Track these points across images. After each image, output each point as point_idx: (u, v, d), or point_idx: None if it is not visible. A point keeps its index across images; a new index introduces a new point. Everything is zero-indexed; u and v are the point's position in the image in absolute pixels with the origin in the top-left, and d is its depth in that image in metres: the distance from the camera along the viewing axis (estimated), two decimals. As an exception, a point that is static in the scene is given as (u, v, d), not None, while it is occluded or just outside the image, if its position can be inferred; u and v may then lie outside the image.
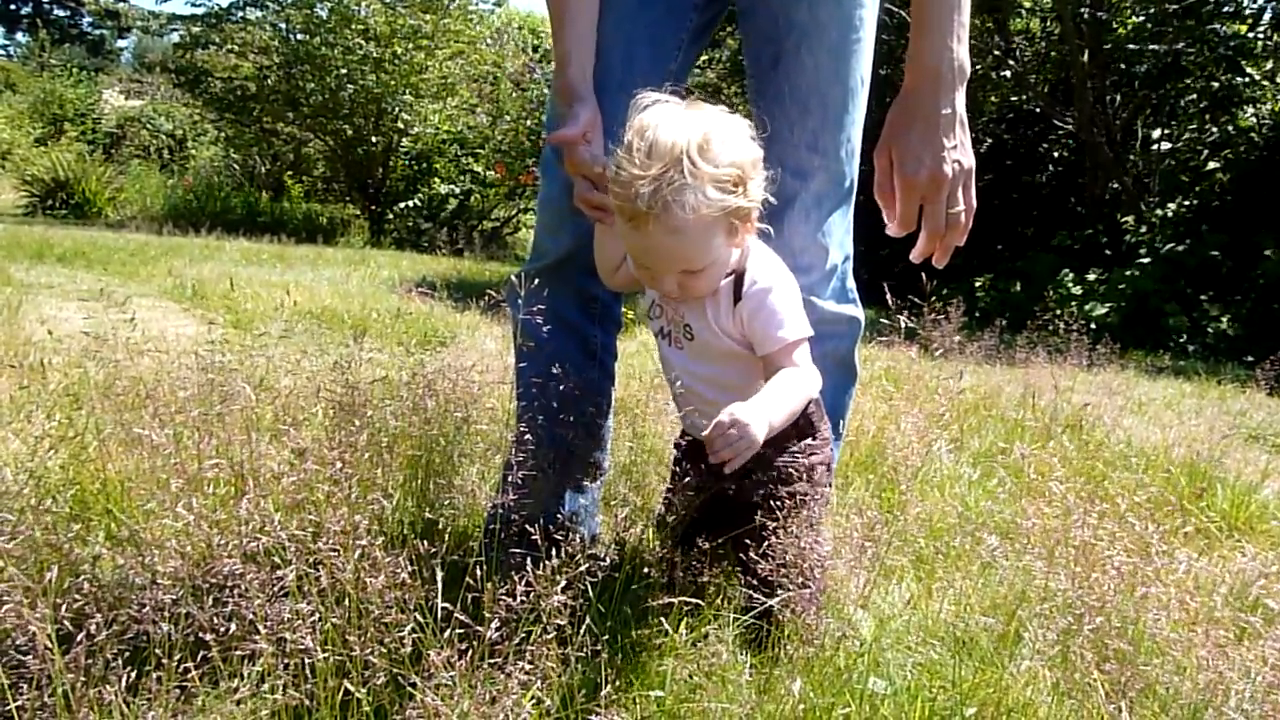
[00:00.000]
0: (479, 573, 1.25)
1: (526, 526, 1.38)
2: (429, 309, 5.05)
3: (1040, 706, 1.32)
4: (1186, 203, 8.79)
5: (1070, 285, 8.08)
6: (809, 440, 1.48)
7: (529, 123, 11.02)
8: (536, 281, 1.59)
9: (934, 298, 2.97)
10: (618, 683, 1.24)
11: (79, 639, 1.09)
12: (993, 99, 10.86)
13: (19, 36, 31.28)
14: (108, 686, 1.09)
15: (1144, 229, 8.47)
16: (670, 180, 1.27)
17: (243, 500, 1.34)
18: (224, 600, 1.20)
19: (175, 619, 1.18)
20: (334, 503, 1.31)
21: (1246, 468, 2.86)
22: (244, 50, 11.55)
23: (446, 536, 1.43)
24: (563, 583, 1.19)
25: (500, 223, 12.33)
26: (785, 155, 1.51)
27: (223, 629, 1.17)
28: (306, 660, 1.15)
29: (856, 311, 1.67)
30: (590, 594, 1.32)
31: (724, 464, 1.24)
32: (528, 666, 1.14)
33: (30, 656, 1.08)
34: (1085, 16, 9.14)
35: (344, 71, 10.81)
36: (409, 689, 1.15)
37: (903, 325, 2.30)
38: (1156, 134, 9.91)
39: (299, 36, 11.30)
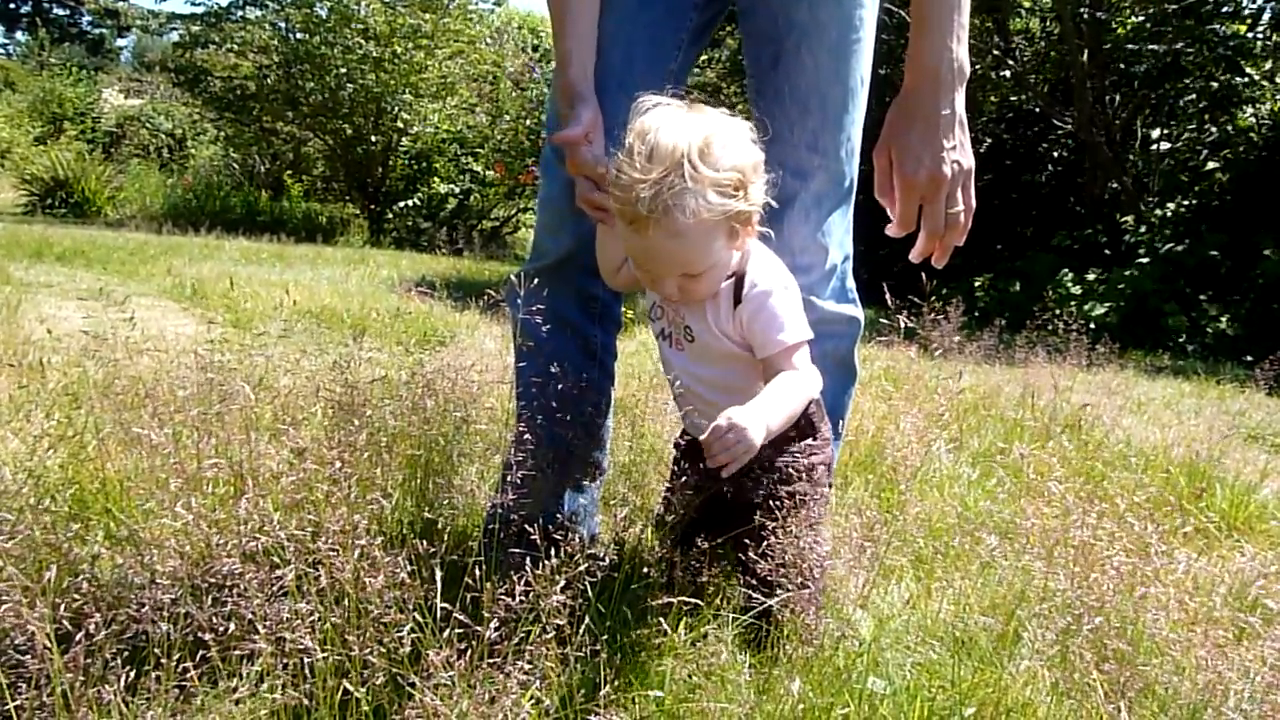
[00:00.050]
0: (478, 572, 1.25)
1: (526, 526, 1.38)
2: (428, 308, 5.05)
3: (1039, 706, 1.32)
4: (1186, 203, 8.79)
5: (1069, 285, 8.09)
6: (809, 440, 1.49)
7: (528, 122, 11.02)
8: (536, 281, 1.59)
9: (933, 297, 2.97)
10: (617, 682, 1.24)
11: (78, 638, 1.08)
12: (992, 99, 10.86)
13: (18, 35, 31.27)
14: (106, 686, 1.09)
15: (1143, 229, 8.47)
16: (671, 184, 1.27)
17: (242, 500, 1.34)
18: (223, 600, 1.20)
19: (174, 618, 1.18)
20: (333, 502, 1.31)
21: (1245, 468, 2.86)
22: (243, 49, 11.54)
23: (446, 536, 1.43)
24: (562, 582, 1.19)
25: (500, 222, 12.33)
26: (785, 155, 1.51)
27: (222, 628, 1.17)
28: (305, 660, 1.15)
29: (856, 311, 1.67)
30: (589, 594, 1.32)
31: (721, 467, 1.25)
32: (527, 666, 1.14)
33: (29, 656, 1.08)
34: (1085, 16, 9.14)
35: (343, 71, 10.80)
36: (408, 689, 1.15)
37: (902, 325, 2.29)
38: (1156, 134, 9.91)
39: (298, 36, 11.29)
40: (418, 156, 11.93)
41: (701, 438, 1.26)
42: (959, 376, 2.68)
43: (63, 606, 1.14)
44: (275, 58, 11.35)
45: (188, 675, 1.15)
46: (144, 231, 9.21)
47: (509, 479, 1.46)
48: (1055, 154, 10.85)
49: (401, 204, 11.79)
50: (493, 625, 1.15)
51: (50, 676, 1.08)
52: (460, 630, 1.16)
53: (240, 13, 11.62)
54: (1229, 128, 9.25)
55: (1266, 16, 8.84)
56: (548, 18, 1.55)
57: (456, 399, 1.90)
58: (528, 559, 1.23)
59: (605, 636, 1.32)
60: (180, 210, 10.73)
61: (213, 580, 1.24)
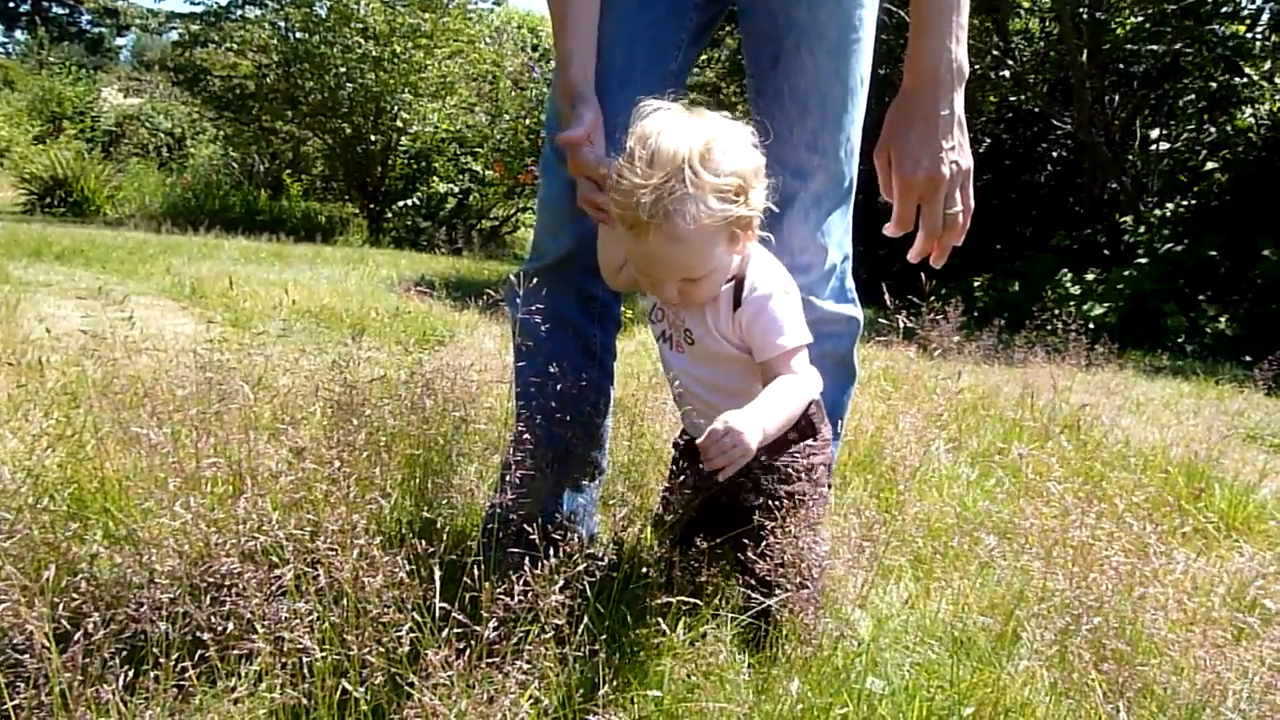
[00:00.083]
0: (477, 572, 1.25)
1: (524, 526, 1.38)
2: (427, 308, 5.05)
3: (1038, 706, 1.32)
4: (1185, 203, 8.80)
5: (1068, 285, 8.09)
6: (810, 441, 1.49)
7: (528, 122, 11.02)
8: (536, 281, 1.59)
9: (932, 297, 2.97)
10: (615, 682, 1.24)
11: (76, 638, 1.08)
12: (991, 99, 10.87)
13: (18, 34, 31.25)
14: (105, 685, 1.08)
15: (1142, 229, 8.48)
16: (672, 190, 1.27)
17: (240, 499, 1.34)
18: (222, 599, 1.20)
19: (173, 618, 1.18)
20: (332, 502, 1.31)
21: (1244, 468, 2.86)
22: (243, 48, 11.53)
23: (444, 536, 1.43)
24: (560, 582, 1.19)
25: (499, 222, 12.33)
26: (785, 155, 1.51)
27: (220, 628, 1.17)
28: (304, 659, 1.15)
29: (855, 311, 1.67)
30: (588, 594, 1.32)
31: (717, 471, 1.25)
32: (525, 666, 1.14)
33: (27, 655, 1.08)
34: (1084, 17, 9.15)
35: (343, 70, 10.80)
36: (407, 688, 1.15)
37: (901, 325, 2.30)
38: (1155, 134, 9.92)
39: (298, 35, 11.28)
40: (417, 156, 11.93)
41: (698, 441, 1.26)
42: (958, 376, 2.68)
43: (61, 606, 1.14)
44: (274, 57, 11.35)
45: (186, 675, 1.15)
46: (143, 231, 9.21)
47: (508, 479, 1.46)
48: (1054, 154, 10.85)
49: (401, 203, 11.79)
50: (491, 625, 1.15)
51: (48, 676, 1.08)
52: (459, 630, 1.16)
53: (239, 12, 11.62)
54: (1228, 128, 9.26)
55: (1265, 17, 8.84)
56: (547, 17, 1.55)
57: (455, 398, 1.90)
58: (526, 559, 1.23)
59: (604, 636, 1.32)
60: (179, 209, 10.72)
61: (211, 580, 1.24)
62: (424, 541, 1.26)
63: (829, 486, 1.59)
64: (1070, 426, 3.06)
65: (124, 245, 7.12)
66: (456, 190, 11.99)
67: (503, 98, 11.75)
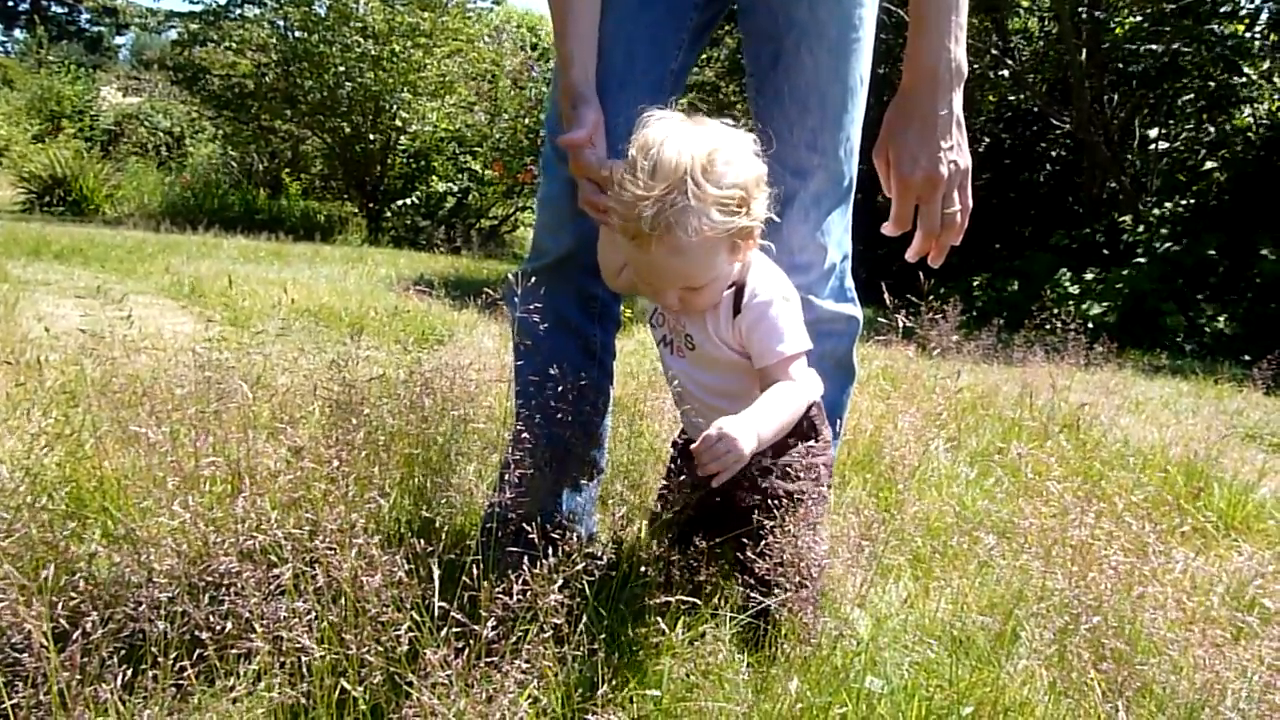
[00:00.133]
0: (476, 571, 1.25)
1: (523, 525, 1.38)
2: (426, 307, 5.05)
3: (1037, 706, 1.32)
4: (1184, 202, 8.80)
5: (1067, 284, 8.10)
6: (811, 443, 1.49)
7: (527, 121, 11.01)
8: (535, 280, 1.59)
9: (931, 297, 2.97)
10: (614, 681, 1.24)
11: (75, 637, 1.08)
12: (991, 98, 10.87)
13: (17, 33, 31.24)
14: (103, 685, 1.08)
15: (1141, 228, 8.48)
16: (673, 202, 1.27)
17: (239, 498, 1.33)
18: (220, 598, 1.20)
19: (171, 617, 1.18)
20: (331, 501, 1.31)
21: (1243, 467, 2.86)
22: (242, 47, 11.52)
23: (443, 535, 1.43)
24: (560, 581, 1.19)
25: (498, 221, 12.32)
26: (784, 154, 1.51)
27: (219, 627, 1.17)
28: (303, 659, 1.15)
29: (855, 310, 1.67)
30: (587, 593, 1.32)
31: (713, 476, 1.25)
32: (524, 665, 1.14)
33: (26, 654, 1.08)
34: (1083, 16, 9.15)
35: (342, 69, 10.80)
36: (405, 688, 1.14)
37: (900, 324, 2.30)
38: (1154, 133, 9.92)
39: (297, 34, 11.28)
40: (416, 155, 11.93)
41: (693, 447, 1.26)
42: (957, 376, 2.69)
43: (60, 605, 1.14)
44: (274, 56, 11.34)
45: (185, 674, 1.15)
46: (142, 229, 9.20)
47: (507, 478, 1.46)
48: (1053, 153, 10.86)
49: (400, 202, 11.78)
50: (490, 624, 1.15)
51: (47, 675, 1.07)
52: (458, 629, 1.16)
53: (239, 11, 11.62)
54: (1227, 127, 9.27)
55: (1264, 16, 8.84)
56: (547, 16, 1.55)
57: (455, 398, 1.90)
58: (525, 558, 1.23)
59: (603, 636, 1.32)
60: (178, 208, 10.71)
61: (210, 579, 1.24)
62: (423, 541, 1.26)
63: (829, 486, 1.59)
64: (1069, 426, 3.06)
65: (123, 244, 7.12)
66: (455, 189, 11.99)
67: (502, 97, 11.74)
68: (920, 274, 2.11)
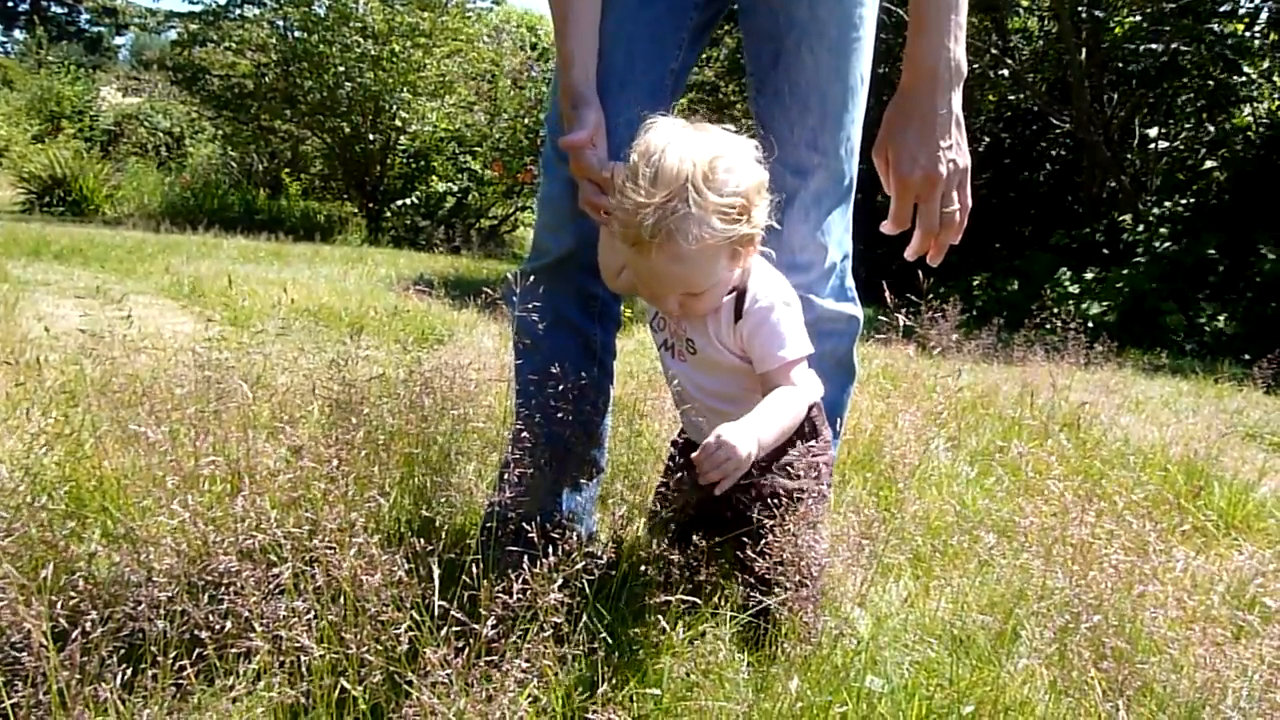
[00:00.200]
0: (476, 571, 1.25)
1: (523, 524, 1.38)
2: (426, 307, 5.04)
3: (1037, 705, 1.32)
4: (1184, 201, 8.81)
5: (1067, 284, 8.10)
6: (811, 443, 1.49)
7: (527, 121, 11.01)
8: (536, 280, 1.59)
9: (931, 296, 2.97)
10: (614, 681, 1.24)
11: (74, 636, 1.08)
12: (990, 98, 10.87)
13: (16, 33, 31.24)
14: (103, 684, 1.08)
15: (1141, 228, 8.48)
16: (674, 210, 1.27)
17: (239, 498, 1.33)
18: (220, 598, 1.20)
19: (171, 616, 1.18)
20: (330, 500, 1.31)
21: (1243, 466, 2.86)
22: (242, 48, 11.52)
23: (443, 534, 1.43)
24: (559, 581, 1.19)
25: (498, 221, 12.32)
26: (785, 153, 1.51)
27: (218, 626, 1.17)
28: (303, 658, 1.15)
29: (855, 310, 1.67)
30: (587, 592, 1.32)
31: (715, 484, 1.25)
32: (524, 664, 1.14)
33: (25, 654, 1.08)
34: (1083, 15, 9.15)
35: (342, 69, 10.79)
36: (405, 687, 1.14)
37: (900, 323, 2.29)
38: (1153, 133, 9.92)
39: (297, 34, 11.28)
40: (416, 155, 11.93)
41: (693, 456, 1.27)
42: (957, 375, 2.69)
43: (59, 604, 1.14)
44: (273, 56, 11.34)
45: (184, 673, 1.15)
46: (142, 230, 9.20)
47: (507, 477, 1.46)
48: (1053, 153, 10.86)
49: (400, 202, 11.78)
50: (490, 623, 1.15)
51: (46, 674, 1.07)
52: (458, 628, 1.16)
53: (238, 11, 11.61)
54: (1226, 126, 9.26)
55: (1264, 15, 8.84)
56: (547, 16, 1.55)
57: (454, 397, 1.90)
58: (525, 557, 1.23)
59: (603, 635, 1.32)
60: (178, 208, 10.71)
61: (209, 578, 1.24)
62: (422, 540, 1.26)
63: (829, 485, 1.59)
64: (1069, 425, 3.06)
65: (122, 244, 7.12)
66: (455, 189, 11.99)
67: (501, 97, 11.74)
68: (920, 273, 2.10)
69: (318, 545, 1.22)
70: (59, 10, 32.18)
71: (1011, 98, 10.82)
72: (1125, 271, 7.88)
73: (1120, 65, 9.62)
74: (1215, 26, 8.57)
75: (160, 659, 1.14)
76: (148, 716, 1.11)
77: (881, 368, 3.75)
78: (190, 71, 11.69)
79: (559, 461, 1.64)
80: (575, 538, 1.30)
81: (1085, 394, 3.60)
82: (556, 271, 1.63)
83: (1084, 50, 9.21)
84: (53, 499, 1.67)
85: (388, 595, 1.18)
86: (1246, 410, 4.15)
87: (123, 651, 1.16)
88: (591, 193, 1.44)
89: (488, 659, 1.14)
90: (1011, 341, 4.39)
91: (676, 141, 1.30)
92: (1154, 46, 8.88)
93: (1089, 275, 8.14)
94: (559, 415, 1.58)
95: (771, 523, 1.37)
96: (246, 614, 1.17)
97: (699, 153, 1.29)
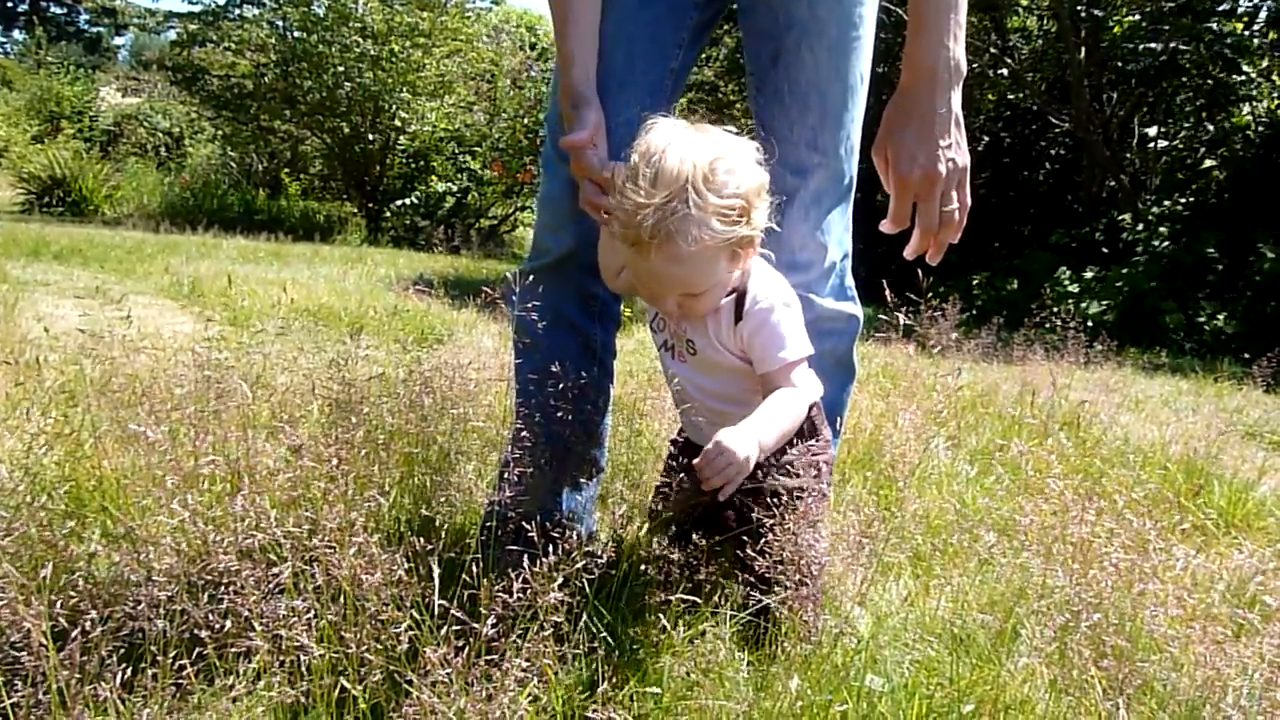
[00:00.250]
0: (476, 570, 1.25)
1: (523, 524, 1.38)
2: (426, 306, 5.04)
3: (1038, 703, 1.32)
4: (1183, 200, 8.81)
5: (1067, 283, 8.10)
6: (811, 443, 1.49)
7: (526, 121, 11.01)
8: (536, 279, 1.59)
9: (931, 295, 2.97)
10: (615, 680, 1.24)
11: (74, 636, 1.08)
12: (990, 97, 10.87)
13: (16, 34, 31.23)
14: (103, 684, 1.08)
15: (1140, 227, 8.49)
16: (674, 210, 1.27)
17: (238, 497, 1.33)
18: (219, 597, 1.20)
19: (171, 616, 1.18)
20: (330, 500, 1.31)
21: (1243, 465, 2.86)
22: (241, 48, 11.52)
23: (443, 533, 1.43)
24: (559, 580, 1.19)
25: (497, 221, 12.32)
26: (785, 152, 1.51)
27: (218, 626, 1.17)
28: (302, 657, 1.15)
29: (855, 309, 1.67)
30: (587, 591, 1.32)
31: (718, 490, 1.25)
32: (524, 664, 1.14)
33: (25, 653, 1.08)
34: (1082, 14, 9.15)
35: (341, 69, 10.79)
36: (405, 686, 1.14)
37: (900, 322, 2.29)
38: (1153, 132, 9.92)
39: (296, 34, 11.27)
40: (415, 155, 11.92)
41: (694, 462, 1.27)
42: (957, 374, 2.68)
43: (59, 604, 1.14)
44: (273, 56, 11.34)
45: (184, 673, 1.15)
46: (141, 230, 9.20)
47: (507, 476, 1.46)
48: (1052, 152, 10.86)
49: (399, 202, 11.78)
50: (490, 623, 1.15)
51: (46, 674, 1.07)
52: (458, 628, 1.16)
53: (238, 11, 11.61)
54: (1226, 125, 9.27)
55: (1263, 14, 8.84)
56: (546, 16, 1.55)
57: (454, 397, 1.90)
58: (525, 556, 1.23)
59: (603, 634, 1.32)
60: (178, 209, 10.71)
61: (209, 578, 1.24)
62: (422, 539, 1.26)
63: (829, 484, 1.59)
64: (1069, 424, 3.06)
65: (122, 244, 7.12)
66: (455, 189, 11.98)
67: (501, 97, 11.73)
68: (920, 272, 2.10)
69: (317, 545, 1.22)
70: (58, 10, 32.17)
71: (1011, 97, 10.82)
72: (1125, 270, 7.89)
73: (1119, 64, 9.62)
74: (1214, 25, 8.57)
75: (160, 658, 1.14)
76: (147, 716, 1.11)
77: (881, 367, 3.75)
78: (190, 72, 11.68)
79: (559, 461, 1.64)
80: (575, 537, 1.30)
81: (1085, 393, 3.60)
82: (556, 271, 1.63)
83: (1083, 49, 9.22)
84: (52, 499, 1.67)
85: (388, 594, 1.18)
86: (1246, 409, 4.16)
87: (122, 651, 1.16)
88: (592, 193, 1.44)
89: (488, 658, 1.14)
90: (1011, 340, 4.39)
91: (677, 142, 1.30)
92: (1153, 45, 8.88)
93: (1088, 274, 8.14)
94: (559, 415, 1.58)
95: (771, 522, 1.37)
96: (246, 613, 1.17)
97: (699, 154, 1.29)
